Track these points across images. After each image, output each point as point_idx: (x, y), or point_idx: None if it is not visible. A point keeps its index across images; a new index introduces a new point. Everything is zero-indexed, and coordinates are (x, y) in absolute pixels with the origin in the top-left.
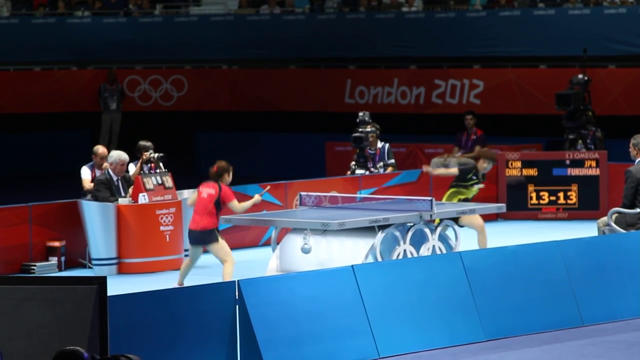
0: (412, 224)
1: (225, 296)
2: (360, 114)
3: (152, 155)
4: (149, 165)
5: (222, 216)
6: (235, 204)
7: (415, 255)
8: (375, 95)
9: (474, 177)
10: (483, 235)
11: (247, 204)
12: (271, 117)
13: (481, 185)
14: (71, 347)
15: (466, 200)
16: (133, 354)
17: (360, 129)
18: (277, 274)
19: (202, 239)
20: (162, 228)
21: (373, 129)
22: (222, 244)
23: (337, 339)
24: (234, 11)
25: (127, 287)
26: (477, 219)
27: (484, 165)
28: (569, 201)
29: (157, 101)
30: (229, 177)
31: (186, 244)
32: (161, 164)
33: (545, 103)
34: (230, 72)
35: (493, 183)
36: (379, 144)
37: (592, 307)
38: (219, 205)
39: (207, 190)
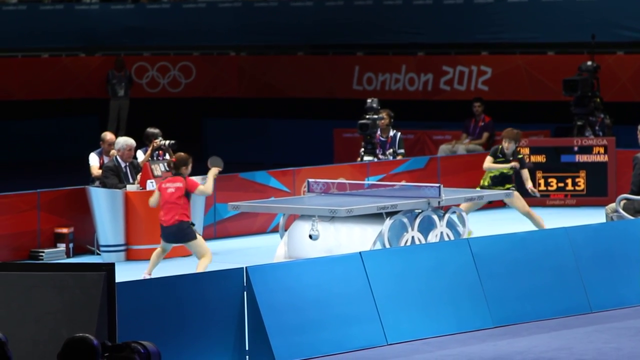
0: (420, 211)
1: (233, 283)
2: (369, 100)
3: (162, 142)
4: (158, 152)
5: (230, 203)
6: (201, 189)
7: (423, 242)
8: (383, 81)
9: (500, 156)
10: (533, 218)
11: (210, 181)
12: (279, 103)
13: (514, 164)
14: (81, 334)
15: (497, 177)
16: (142, 340)
17: (367, 116)
18: (285, 260)
19: (180, 236)
20: None
21: (384, 115)
22: (200, 240)
23: (345, 326)
24: None
25: (135, 274)
26: (521, 204)
27: (506, 145)
28: (577, 188)
29: (165, 88)
30: (186, 170)
31: None
32: (171, 151)
33: (554, 89)
34: (239, 58)
35: None
36: (391, 132)
37: (600, 293)
38: (189, 197)
39: (172, 184)
